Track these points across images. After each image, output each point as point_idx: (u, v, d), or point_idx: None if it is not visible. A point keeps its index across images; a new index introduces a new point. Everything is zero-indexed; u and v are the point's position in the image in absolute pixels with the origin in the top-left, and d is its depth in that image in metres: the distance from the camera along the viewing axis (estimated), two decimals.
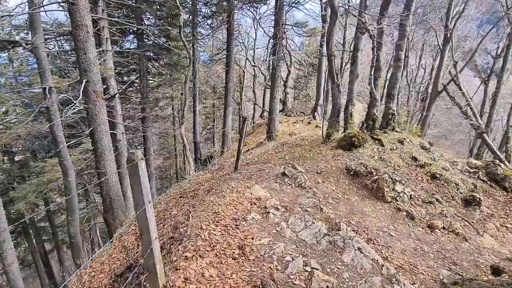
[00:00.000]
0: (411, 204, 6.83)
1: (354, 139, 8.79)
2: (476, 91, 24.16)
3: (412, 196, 6.98)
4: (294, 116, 23.12)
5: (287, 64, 24.85)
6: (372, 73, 8.73)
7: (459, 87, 18.73)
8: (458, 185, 7.91)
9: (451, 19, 19.17)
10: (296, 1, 17.98)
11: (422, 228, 6.00)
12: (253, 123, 30.84)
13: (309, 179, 7.09)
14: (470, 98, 18.54)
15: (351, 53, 10.92)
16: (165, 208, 6.93)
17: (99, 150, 8.28)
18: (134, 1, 16.11)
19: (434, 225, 5.97)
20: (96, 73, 7.89)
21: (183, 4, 19.75)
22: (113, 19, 13.90)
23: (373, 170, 7.14)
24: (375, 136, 9.15)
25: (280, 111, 23.01)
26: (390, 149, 8.79)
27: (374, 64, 8.68)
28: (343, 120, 11.75)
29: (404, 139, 9.22)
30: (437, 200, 7.28)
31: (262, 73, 26.86)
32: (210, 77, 29.29)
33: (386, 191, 6.62)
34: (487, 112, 20.73)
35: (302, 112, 23.45)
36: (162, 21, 19.86)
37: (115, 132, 11.82)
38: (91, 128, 8.14)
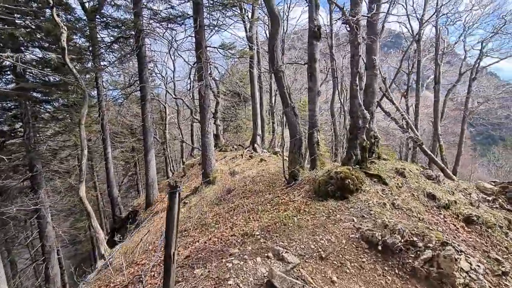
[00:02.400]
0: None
1: (348, 181, 5.79)
2: (398, 104, 24.67)
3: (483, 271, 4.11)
4: (231, 150, 19.80)
5: (214, 93, 21.80)
6: (357, 81, 6.06)
7: (392, 101, 18.15)
8: (502, 227, 5.45)
9: None
10: (217, 25, 15.30)
11: None
12: (183, 163, 26.43)
13: (314, 279, 3.67)
14: (405, 112, 18.12)
15: (308, 65, 8.31)
16: None
17: None
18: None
19: None
20: None
21: (78, 28, 15.26)
22: None
23: (414, 238, 4.09)
24: (369, 172, 6.34)
25: (214, 147, 19.45)
26: (397, 188, 6.04)
27: (357, 70, 6.06)
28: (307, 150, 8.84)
29: (404, 169, 6.64)
30: (497, 260, 4.59)
31: (187, 105, 23.17)
32: (124, 116, 24.41)
33: (458, 279, 3.59)
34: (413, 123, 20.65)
35: (239, 145, 20.32)
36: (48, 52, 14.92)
37: None
38: None
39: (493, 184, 6.97)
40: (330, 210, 5.42)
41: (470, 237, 5.17)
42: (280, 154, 18.34)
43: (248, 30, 17.25)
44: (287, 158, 9.02)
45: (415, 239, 4.07)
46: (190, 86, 19.08)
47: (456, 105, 22.35)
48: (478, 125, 23.16)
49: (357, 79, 6.07)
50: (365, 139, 6.28)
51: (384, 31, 18.83)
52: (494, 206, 6.31)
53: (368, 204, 5.43)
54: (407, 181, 6.32)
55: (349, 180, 5.80)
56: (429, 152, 17.32)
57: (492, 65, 17.17)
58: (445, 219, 5.52)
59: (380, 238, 4.19)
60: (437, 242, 3.92)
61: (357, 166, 6.60)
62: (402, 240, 4.07)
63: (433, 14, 18.80)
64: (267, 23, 20.42)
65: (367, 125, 6.16)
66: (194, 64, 16.61)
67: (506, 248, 5.06)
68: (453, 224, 5.42)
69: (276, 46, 8.77)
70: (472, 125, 25.86)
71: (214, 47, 15.26)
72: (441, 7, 18.36)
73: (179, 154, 30.99)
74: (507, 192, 6.56)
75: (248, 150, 18.20)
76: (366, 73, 7.13)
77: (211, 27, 15.28)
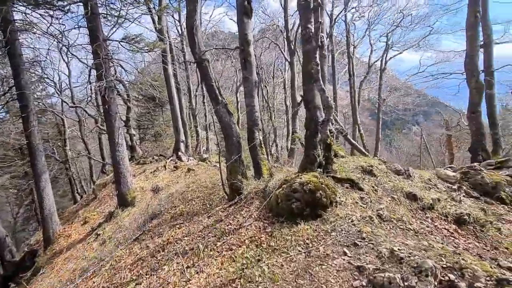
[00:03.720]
0: None
1: (320, 194, 4.22)
2: None
3: None
4: (151, 162, 16.74)
5: (123, 98, 18.32)
6: (317, 58, 4.51)
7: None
8: (492, 223, 4.63)
9: (290, 31, 18.46)
10: (119, 15, 12.28)
11: None
12: (93, 183, 21.93)
13: None
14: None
15: (240, 49, 6.50)
16: None
17: None
18: None
19: None
20: None
21: None
22: None
23: (450, 275, 2.69)
24: (338, 176, 4.92)
25: (129, 160, 16.13)
26: (374, 192, 4.76)
27: (317, 43, 4.52)
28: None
29: (371, 166, 5.45)
30: (509, 269, 3.61)
31: (88, 114, 18.93)
32: (8, 135, 18.88)
33: None
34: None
35: (161, 155, 17.35)
36: None
37: None
38: None
39: (452, 170, 6.41)
40: (307, 240, 3.74)
41: (469, 243, 4.17)
42: (209, 161, 16.23)
43: (157, 22, 14.59)
44: (224, 168, 7.11)
45: (451, 277, 2.67)
46: (91, 91, 15.38)
47: (371, 94, 23.80)
48: (389, 113, 25.27)
49: (317, 56, 4.58)
50: (329, 135, 4.83)
51: None
52: (460, 194, 5.64)
53: (352, 221, 3.94)
54: (380, 181, 5.13)
55: (321, 192, 4.24)
56: (354, 142, 17.57)
57: (396, 56, 18.74)
58: (435, 223, 4.45)
59: (403, 285, 2.67)
60: (487, 278, 2.58)
61: (320, 170, 5.12)
62: (437, 284, 2.63)
63: (342, 10, 19.31)
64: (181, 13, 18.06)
65: (331, 117, 4.73)
66: (93, 64, 13.19)
67: (507, 249, 4.22)
68: (445, 228, 4.38)
69: (196, 28, 6.76)
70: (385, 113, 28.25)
71: (116, 41, 12.22)
72: (348, 3, 18.97)
73: (89, 172, 25.95)
74: (469, 178, 6.01)
75: (171, 160, 15.56)
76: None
77: (110, 17, 12.18)
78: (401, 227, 3.99)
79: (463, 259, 2.86)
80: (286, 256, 3.50)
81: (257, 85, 6.76)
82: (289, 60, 18.13)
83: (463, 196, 5.56)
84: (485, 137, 7.90)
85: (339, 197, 4.43)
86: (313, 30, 4.51)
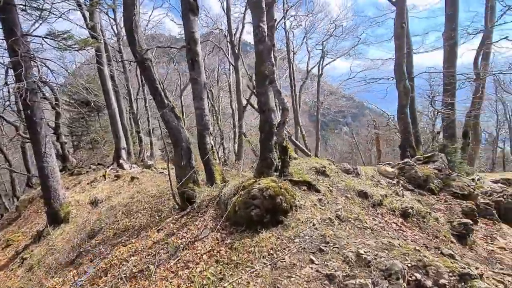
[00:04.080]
0: None
1: (280, 199, 3.96)
2: None
3: None
4: (88, 172, 14.78)
5: (51, 103, 15.91)
6: (272, 58, 4.19)
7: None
8: (430, 213, 4.93)
9: (234, 35, 18.21)
10: (42, 8, 10.49)
11: None
12: (17, 199, 18.80)
13: None
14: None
15: (186, 48, 5.91)
16: None
17: None
18: None
19: None
20: None
21: None
22: None
23: (416, 274, 2.62)
24: (294, 179, 4.73)
25: (61, 171, 14.04)
26: (329, 193, 4.68)
27: (272, 42, 4.20)
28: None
29: (324, 167, 5.41)
30: (451, 256, 3.83)
31: (6, 121, 15.96)
32: None
33: None
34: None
35: (99, 163, 15.44)
36: None
37: None
38: None
39: (391, 166, 6.81)
40: (271, 250, 3.43)
41: (415, 234, 4.35)
42: (154, 168, 15.02)
43: (88, 19, 12.96)
44: (174, 175, 6.45)
45: (418, 276, 2.61)
46: (8, 93, 13.00)
47: (310, 98, 24.85)
48: (325, 115, 26.73)
49: (272, 56, 4.32)
50: (285, 137, 4.62)
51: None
52: (399, 188, 5.98)
53: (314, 225, 3.77)
54: (333, 181, 5.11)
55: (281, 197, 3.99)
56: (298, 143, 18.05)
57: (330, 63, 19.85)
58: (385, 218, 4.55)
59: None
60: (450, 274, 2.58)
61: (276, 173, 4.89)
62: (406, 285, 2.54)
63: (282, 18, 19.77)
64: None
65: (287, 119, 4.53)
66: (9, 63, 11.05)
67: (445, 236, 4.51)
68: (394, 222, 4.51)
69: (136, 24, 6.01)
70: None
71: (39, 36, 10.45)
72: (287, 11, 19.49)
73: (11, 187, 22.05)
74: (405, 172, 6.43)
75: (112, 169, 13.98)
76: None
77: (30, 10, 10.42)
78: (359, 226, 3.95)
79: (425, 256, 2.86)
80: (251, 270, 3.13)
81: (206, 87, 6.29)
82: (233, 64, 17.84)
83: (401, 189, 5.91)
84: (412, 135, 8.69)
85: (298, 201, 4.24)
86: (266, 29, 4.26)
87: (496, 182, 10.27)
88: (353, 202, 4.57)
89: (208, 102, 6.67)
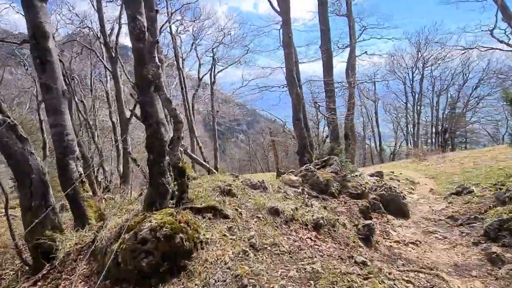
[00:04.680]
0: None
1: (180, 238, 3.11)
2: None
3: None
4: None
5: None
6: (156, 60, 3.27)
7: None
8: (338, 220, 5.02)
9: (109, 36, 15.95)
10: None
11: None
12: None
13: None
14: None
15: (30, 44, 4.31)
16: None
17: None
18: None
19: None
20: None
21: None
22: None
23: None
24: (197, 206, 3.94)
25: None
26: (239, 217, 4.10)
27: (155, 39, 3.29)
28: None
29: (230, 185, 4.82)
30: (363, 264, 3.90)
31: None
32: None
33: None
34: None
35: None
36: None
37: None
38: None
39: (294, 174, 6.86)
40: None
41: (329, 247, 4.26)
42: None
43: None
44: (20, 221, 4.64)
45: None
46: None
47: (204, 107, 24.22)
48: (221, 123, 26.69)
49: (156, 56, 3.43)
50: (180, 157, 3.82)
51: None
52: (305, 197, 6.04)
53: (226, 263, 3.10)
54: (241, 201, 4.60)
55: (181, 235, 3.16)
56: (195, 156, 17.18)
57: (222, 71, 20.00)
58: (299, 235, 4.32)
59: None
60: None
61: (173, 202, 4.02)
62: None
63: (166, 21, 18.66)
64: None
65: (181, 134, 3.72)
66: None
67: (354, 242, 4.62)
68: (308, 237, 4.33)
69: None
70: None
71: None
72: (171, 14, 18.54)
73: None
74: (308, 179, 6.57)
75: None
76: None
77: None
78: (276, 252, 3.53)
79: (353, 281, 2.61)
80: None
81: (68, 97, 4.84)
82: (110, 69, 15.54)
83: (307, 197, 5.97)
84: (307, 140, 9.27)
85: (204, 234, 3.50)
86: (145, 23, 3.39)
87: (372, 175, 12.13)
88: (265, 223, 4.16)
89: (77, 116, 5.15)
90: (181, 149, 4.60)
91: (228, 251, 3.31)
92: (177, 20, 17.94)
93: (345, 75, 14.67)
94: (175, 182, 4.06)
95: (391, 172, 13.62)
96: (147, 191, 4.11)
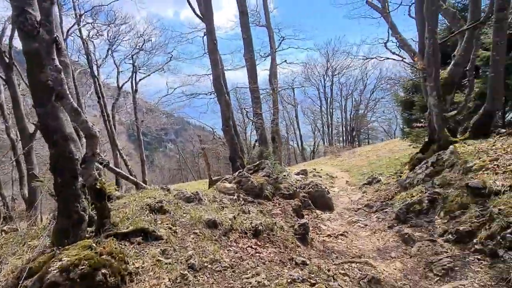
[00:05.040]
0: None
1: (103, 273, 2.51)
2: None
3: None
4: None
5: None
6: (57, 62, 2.54)
7: None
8: (275, 224, 4.94)
9: (0, 38, 13.19)
10: None
11: None
12: None
13: None
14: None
15: None
16: None
17: None
18: None
19: None
20: None
21: None
22: None
23: None
24: (123, 231, 3.31)
25: None
26: (173, 235, 3.59)
27: (54, 36, 2.54)
28: None
29: (161, 202, 4.25)
30: (303, 264, 3.88)
31: None
32: None
33: None
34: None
35: None
36: None
37: None
38: None
39: (228, 181, 6.58)
40: None
41: (270, 252, 4.11)
42: None
43: None
44: None
45: None
46: None
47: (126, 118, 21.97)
48: (147, 134, 24.69)
49: (55, 58, 2.71)
50: (97, 177, 3.16)
51: None
52: (242, 203, 5.84)
53: None
54: (175, 217, 4.10)
55: (104, 271, 2.57)
56: (119, 170, 15.46)
57: (145, 79, 18.41)
58: (239, 244, 4.06)
59: None
60: None
61: (91, 229, 3.32)
62: None
63: (75, 23, 16.44)
64: None
65: (97, 149, 3.07)
66: None
67: (293, 243, 4.57)
68: (249, 246, 4.10)
69: None
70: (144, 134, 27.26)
71: None
72: (80, 16, 16.39)
73: None
74: (243, 185, 6.38)
75: None
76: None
77: None
78: (218, 269, 3.19)
79: None
80: None
81: None
82: (4, 77, 12.82)
83: (243, 203, 5.77)
84: (238, 146, 9.12)
85: (133, 264, 2.95)
86: (37, 17, 2.68)
87: (298, 174, 12.72)
88: (204, 238, 3.77)
89: None
90: (99, 166, 3.86)
91: (163, 279, 2.84)
92: (88, 23, 15.91)
93: (268, 82, 15.17)
94: (93, 206, 3.38)
95: (314, 169, 14.52)
96: (57, 220, 3.30)
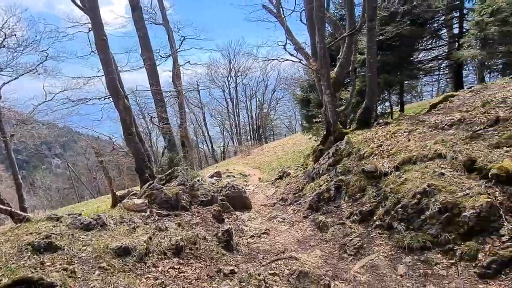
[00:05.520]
0: None
1: None
2: None
3: None
4: None
5: None
6: None
7: None
8: (198, 235, 4.57)
9: None
10: None
11: None
12: None
13: None
14: None
15: None
16: None
17: None
18: None
19: None
20: None
21: None
22: None
23: None
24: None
25: None
26: (73, 279, 2.81)
27: None
28: None
29: (49, 236, 3.29)
30: (233, 272, 3.72)
31: None
32: None
33: None
34: None
35: None
36: None
37: None
38: None
39: (137, 196, 5.78)
40: None
41: (195, 269, 3.73)
42: None
43: None
44: None
45: None
46: None
47: None
48: (21, 150, 19.79)
49: None
50: None
51: None
52: (156, 219, 5.21)
53: None
54: (70, 253, 3.25)
55: None
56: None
57: (11, 82, 14.42)
58: (158, 269, 3.54)
59: None
60: None
61: None
62: None
63: None
64: None
65: None
66: None
67: (218, 252, 4.29)
68: (171, 267, 3.62)
69: None
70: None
71: None
72: None
73: None
74: (155, 198, 5.72)
75: None
76: None
77: None
78: None
79: None
80: None
81: None
82: None
83: (158, 219, 5.18)
84: (145, 155, 8.20)
85: None
86: None
87: (212, 176, 12.48)
88: (113, 271, 3.13)
89: None
90: None
91: None
92: None
93: (172, 84, 14.30)
94: None
95: (227, 169, 14.53)
96: None
